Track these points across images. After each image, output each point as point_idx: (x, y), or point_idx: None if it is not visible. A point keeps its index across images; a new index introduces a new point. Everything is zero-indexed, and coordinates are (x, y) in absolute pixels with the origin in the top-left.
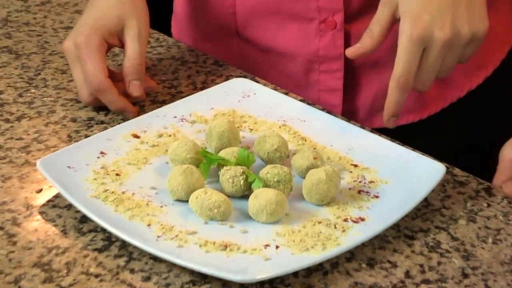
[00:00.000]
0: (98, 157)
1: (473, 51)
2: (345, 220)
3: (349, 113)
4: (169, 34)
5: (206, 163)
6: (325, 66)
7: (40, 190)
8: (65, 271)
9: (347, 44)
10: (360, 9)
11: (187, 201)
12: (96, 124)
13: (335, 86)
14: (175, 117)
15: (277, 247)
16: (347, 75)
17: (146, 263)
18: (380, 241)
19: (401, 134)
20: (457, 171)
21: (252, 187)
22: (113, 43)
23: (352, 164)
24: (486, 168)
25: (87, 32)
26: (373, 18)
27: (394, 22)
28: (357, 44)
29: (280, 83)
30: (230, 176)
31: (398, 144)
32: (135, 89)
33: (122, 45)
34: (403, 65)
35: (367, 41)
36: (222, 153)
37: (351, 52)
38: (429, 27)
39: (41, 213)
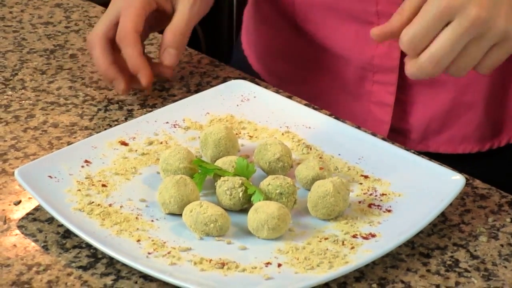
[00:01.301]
0: (83, 166)
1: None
2: (354, 236)
3: (400, 132)
4: None
5: (201, 173)
6: (378, 76)
7: (19, 202)
8: None
9: (404, 57)
10: None
11: (180, 215)
12: (80, 130)
13: (386, 100)
14: (167, 122)
15: (279, 265)
16: (402, 90)
17: (136, 282)
18: (392, 259)
19: (457, 165)
20: (477, 183)
21: (252, 200)
22: (164, 7)
23: (362, 175)
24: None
25: None
26: None
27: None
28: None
29: (332, 88)
30: (227, 187)
31: (413, 153)
32: (169, 57)
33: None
34: (419, 25)
35: (396, 19)
36: (218, 163)
37: (376, 31)
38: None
39: (19, 227)
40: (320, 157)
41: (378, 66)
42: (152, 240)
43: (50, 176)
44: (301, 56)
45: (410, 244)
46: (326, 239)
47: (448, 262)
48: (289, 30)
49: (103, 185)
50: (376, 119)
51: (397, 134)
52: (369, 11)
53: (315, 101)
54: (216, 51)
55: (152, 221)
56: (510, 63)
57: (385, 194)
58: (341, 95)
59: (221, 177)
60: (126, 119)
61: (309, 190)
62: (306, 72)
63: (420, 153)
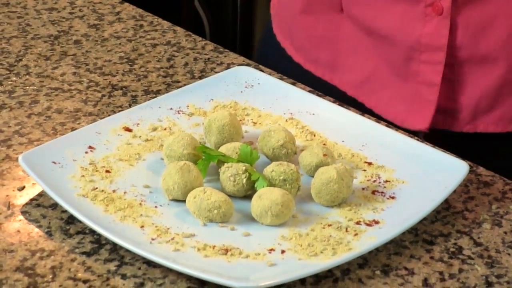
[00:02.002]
0: (86, 152)
1: None
2: (358, 223)
3: (447, 112)
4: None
5: (205, 159)
6: (426, 56)
7: (23, 188)
8: (51, 276)
9: (453, 34)
10: None
11: (184, 201)
12: (84, 116)
13: (434, 80)
14: (171, 109)
15: (282, 251)
16: (450, 69)
17: (139, 268)
18: (396, 246)
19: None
20: (481, 170)
21: (255, 186)
22: None
23: (366, 162)
24: None
25: None
26: None
27: None
28: None
29: (378, 71)
30: (231, 174)
31: (417, 140)
32: None
33: None
34: None
35: None
36: (222, 149)
37: None
38: None
39: (23, 213)
40: (324, 144)
41: (426, 45)
42: (156, 226)
43: (54, 162)
44: (346, 41)
45: (413, 231)
46: (329, 225)
47: (452, 249)
48: (333, 16)
49: (107, 171)
50: (423, 99)
51: (445, 115)
52: None
53: (362, 86)
54: (220, 37)
55: (156, 207)
56: None
57: (389, 181)
58: (387, 78)
59: (225, 164)
60: (130, 105)
61: (312, 176)
62: (352, 58)
63: (468, 134)
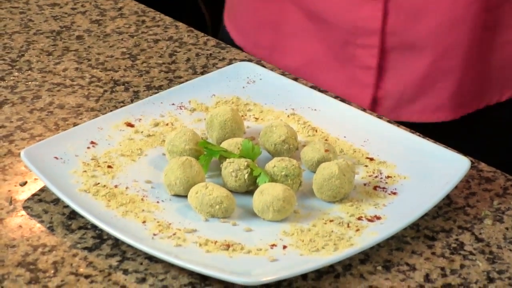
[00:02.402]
0: (88, 148)
1: None
2: (359, 218)
3: (376, 99)
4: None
5: (206, 155)
6: (361, 40)
7: (25, 183)
8: (52, 272)
9: (386, 20)
10: None
11: (185, 197)
12: (86, 111)
13: (370, 63)
14: (173, 104)
15: (284, 247)
16: (381, 55)
17: (141, 264)
18: (397, 242)
19: (429, 134)
20: (483, 166)
21: (257, 181)
22: None
23: (367, 158)
24: None
25: None
26: None
27: None
28: None
29: (319, 55)
30: (233, 169)
31: (419, 136)
32: None
33: None
34: None
35: None
36: (224, 145)
37: None
38: None
39: (25, 208)
40: (326, 140)
41: (361, 29)
42: (158, 222)
43: (56, 157)
44: (289, 25)
45: (415, 226)
46: (331, 221)
47: (453, 245)
48: (275, 0)
49: (109, 167)
50: (361, 83)
51: (373, 101)
52: None
53: (303, 70)
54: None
55: (158, 202)
56: (488, 31)
57: (390, 177)
58: (327, 62)
59: (227, 159)
60: (132, 101)
61: (314, 172)
62: (293, 42)
63: (390, 122)
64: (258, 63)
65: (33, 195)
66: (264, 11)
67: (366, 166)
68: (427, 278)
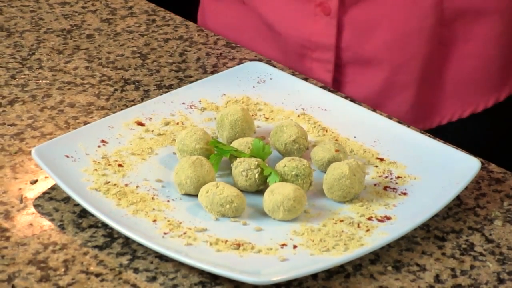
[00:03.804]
0: (99, 146)
1: None
2: (370, 218)
3: None
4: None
5: (217, 154)
6: (317, 54)
7: (35, 181)
8: (63, 270)
9: (340, 35)
10: None
11: (196, 196)
12: (97, 110)
13: (325, 78)
14: (183, 103)
15: (294, 247)
16: (337, 69)
17: (152, 262)
18: (407, 242)
19: None
20: (493, 167)
21: (267, 181)
22: None
23: (377, 158)
24: None
25: None
26: None
27: None
28: None
29: (279, 62)
30: (243, 169)
31: (429, 136)
32: None
33: None
34: None
35: None
36: (235, 144)
37: None
38: None
39: (36, 206)
40: (336, 140)
41: (316, 44)
42: (168, 221)
43: (66, 156)
44: (249, 31)
45: (425, 227)
46: (341, 221)
47: (463, 246)
48: (237, 5)
49: (120, 165)
50: None
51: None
52: None
53: None
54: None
55: (168, 201)
56: (444, 45)
57: (401, 177)
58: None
59: (237, 158)
60: (142, 100)
61: (324, 172)
62: (253, 47)
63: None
64: (268, 62)
65: (44, 193)
66: (226, 14)
67: (376, 166)
68: (437, 278)
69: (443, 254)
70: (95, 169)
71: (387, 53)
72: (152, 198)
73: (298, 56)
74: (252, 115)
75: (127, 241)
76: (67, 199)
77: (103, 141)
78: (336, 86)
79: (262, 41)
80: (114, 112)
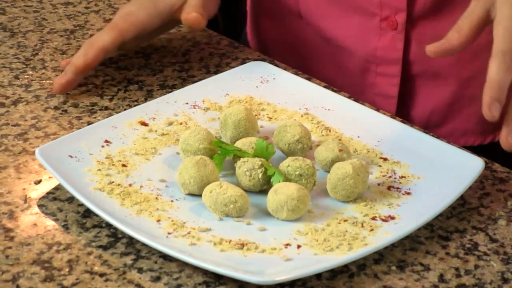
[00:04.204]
0: (103, 146)
1: None
2: (373, 218)
3: None
4: None
5: (220, 154)
6: (382, 68)
7: (39, 181)
8: (67, 270)
9: (407, 49)
10: (425, 12)
11: (199, 196)
12: (100, 110)
13: (391, 92)
14: (187, 103)
15: (298, 246)
16: (404, 82)
17: (156, 262)
18: (411, 242)
19: None
20: (496, 166)
21: (271, 181)
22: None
23: (381, 158)
24: None
25: None
26: (463, 14)
27: (487, 22)
28: (442, 40)
29: (336, 80)
30: (247, 168)
31: (432, 136)
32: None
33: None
34: (508, 39)
35: (453, 36)
36: (238, 144)
37: (432, 48)
38: None
39: (40, 206)
40: (339, 139)
41: (381, 58)
42: (172, 220)
43: (70, 156)
44: (306, 47)
45: (429, 226)
46: (345, 221)
47: (467, 245)
48: (293, 22)
49: (123, 165)
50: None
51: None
52: (372, 2)
53: None
54: (234, 32)
55: (172, 201)
56: None
57: (404, 177)
58: (345, 87)
59: (241, 158)
60: (145, 100)
61: (328, 172)
62: (311, 64)
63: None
64: (272, 62)
65: (48, 193)
66: (282, 30)
67: (380, 166)
68: (441, 278)
69: (447, 253)
70: (99, 169)
71: (455, 67)
72: (156, 198)
73: (360, 71)
74: (256, 115)
75: (131, 241)
76: (71, 199)
77: (106, 141)
78: (402, 99)
79: (320, 56)
80: (117, 112)
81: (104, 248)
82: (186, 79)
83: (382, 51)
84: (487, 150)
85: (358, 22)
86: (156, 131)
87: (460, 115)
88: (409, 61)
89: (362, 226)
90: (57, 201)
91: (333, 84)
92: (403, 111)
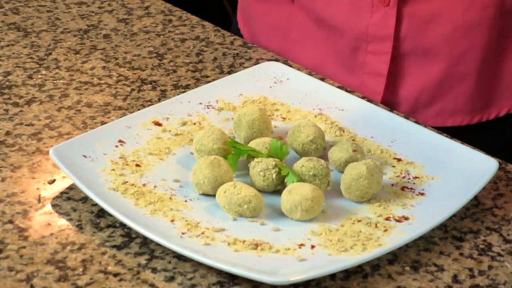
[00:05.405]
0: (117, 146)
1: None
2: (387, 219)
3: (389, 105)
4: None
5: (235, 154)
6: (373, 46)
7: (53, 181)
8: (81, 269)
9: (399, 26)
10: None
11: (214, 196)
12: (114, 109)
13: (380, 70)
14: (200, 103)
15: (312, 247)
16: (394, 61)
17: (170, 262)
18: (425, 243)
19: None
20: (510, 167)
21: (285, 181)
22: None
23: (395, 158)
24: None
25: None
26: None
27: None
28: None
29: (327, 61)
30: (261, 169)
31: (446, 137)
32: None
33: None
34: None
35: None
36: (252, 144)
37: None
38: None
39: (54, 206)
40: (353, 140)
41: (372, 35)
42: (186, 221)
43: (84, 156)
44: (297, 30)
45: (443, 227)
46: (359, 221)
47: (481, 246)
48: (285, 5)
49: (137, 165)
50: (369, 90)
51: (387, 106)
52: None
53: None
54: (224, 21)
55: (186, 201)
56: (503, 37)
57: (418, 177)
58: (335, 68)
59: (255, 158)
60: (159, 100)
61: (342, 172)
62: (301, 46)
63: (417, 123)
64: (285, 63)
65: (62, 193)
66: (273, 15)
67: (394, 166)
68: (455, 279)
69: (461, 254)
70: (113, 169)
71: (446, 44)
72: (170, 198)
73: (350, 51)
74: (269, 115)
75: (145, 241)
76: (85, 199)
77: (120, 141)
78: (392, 77)
79: (310, 39)
80: (131, 112)
81: (118, 248)
82: (199, 79)
83: (373, 28)
84: (473, 130)
85: (350, 1)
86: (170, 131)
87: (450, 93)
88: (400, 38)
89: (376, 226)
90: (71, 200)
91: (323, 67)
92: (391, 90)
